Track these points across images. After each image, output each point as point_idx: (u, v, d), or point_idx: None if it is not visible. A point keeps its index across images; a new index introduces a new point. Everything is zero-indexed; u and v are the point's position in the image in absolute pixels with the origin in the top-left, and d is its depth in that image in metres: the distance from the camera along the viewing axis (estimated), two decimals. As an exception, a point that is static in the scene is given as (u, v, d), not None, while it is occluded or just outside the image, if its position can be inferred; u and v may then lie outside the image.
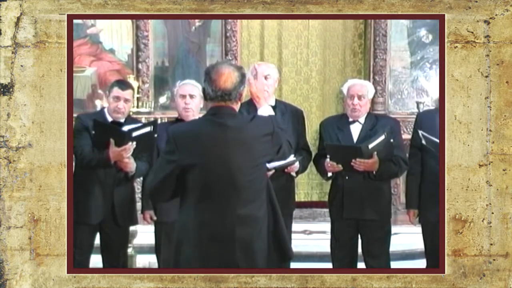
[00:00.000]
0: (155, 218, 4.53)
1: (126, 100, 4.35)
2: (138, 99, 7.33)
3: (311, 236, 7.01)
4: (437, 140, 3.75)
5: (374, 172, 4.26)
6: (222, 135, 3.18)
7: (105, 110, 4.43)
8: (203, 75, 3.26)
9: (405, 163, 4.39)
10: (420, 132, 4.31)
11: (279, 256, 3.36)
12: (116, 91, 4.33)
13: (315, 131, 6.81)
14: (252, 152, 3.21)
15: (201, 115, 3.45)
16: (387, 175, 4.38)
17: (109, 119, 4.37)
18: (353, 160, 4.18)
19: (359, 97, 4.38)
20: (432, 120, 4.27)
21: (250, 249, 3.21)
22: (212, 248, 3.19)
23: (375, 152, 4.18)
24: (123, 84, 4.46)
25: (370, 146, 4.17)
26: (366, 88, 4.44)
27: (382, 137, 4.21)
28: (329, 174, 4.40)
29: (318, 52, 8.03)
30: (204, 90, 3.27)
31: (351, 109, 4.40)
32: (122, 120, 4.37)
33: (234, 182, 3.18)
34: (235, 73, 3.22)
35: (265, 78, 4.29)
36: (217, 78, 3.20)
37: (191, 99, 4.39)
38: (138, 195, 4.66)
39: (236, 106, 3.27)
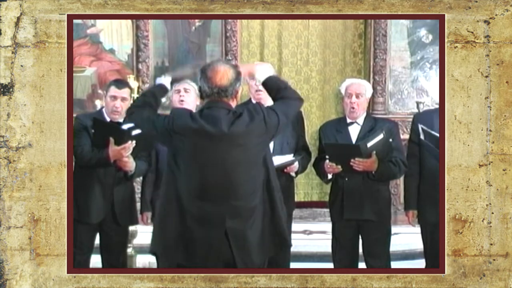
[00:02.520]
0: (149, 221, 4.53)
1: (123, 99, 4.35)
2: (138, 99, 7.33)
3: (311, 236, 7.01)
4: (437, 135, 3.75)
5: (374, 172, 4.26)
6: (216, 129, 3.22)
7: (104, 110, 4.44)
8: (199, 74, 3.29)
9: (404, 165, 4.39)
10: (420, 126, 4.30)
11: (277, 244, 3.37)
12: (113, 90, 4.34)
13: (315, 131, 6.81)
14: (246, 145, 3.24)
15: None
16: (387, 176, 4.38)
17: (108, 119, 4.37)
18: (352, 160, 4.18)
19: (357, 96, 4.39)
20: (430, 121, 4.27)
21: (244, 239, 3.24)
22: (204, 233, 3.23)
23: (374, 152, 4.18)
24: (119, 83, 4.46)
25: (369, 144, 4.17)
26: (364, 87, 4.44)
27: (381, 136, 4.21)
28: (329, 176, 4.39)
29: (318, 52, 8.03)
30: (200, 88, 3.31)
31: (349, 108, 4.40)
32: (121, 120, 4.36)
33: (228, 175, 3.22)
34: (231, 71, 3.28)
35: None
36: (213, 75, 3.24)
37: (185, 93, 4.43)
38: (137, 195, 4.66)
39: (232, 104, 3.31)
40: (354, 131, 4.43)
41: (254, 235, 3.27)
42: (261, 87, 4.30)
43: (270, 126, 3.30)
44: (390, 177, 4.47)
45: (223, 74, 3.24)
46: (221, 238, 3.23)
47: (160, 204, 3.40)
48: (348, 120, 4.45)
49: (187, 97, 4.43)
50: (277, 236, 3.37)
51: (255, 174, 3.29)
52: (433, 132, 4.08)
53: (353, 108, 4.39)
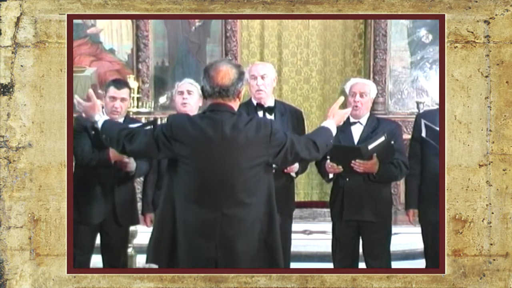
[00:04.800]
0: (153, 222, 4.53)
1: (122, 100, 4.35)
2: (138, 99, 7.33)
3: (311, 236, 7.01)
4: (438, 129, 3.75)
5: (374, 174, 4.26)
6: (217, 133, 3.22)
7: (103, 110, 4.43)
8: (202, 73, 3.30)
9: (406, 167, 4.38)
10: (423, 121, 4.30)
11: (267, 263, 3.35)
12: (112, 91, 4.34)
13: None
14: (246, 153, 3.22)
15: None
16: (388, 178, 4.37)
17: (107, 119, 4.37)
18: (353, 161, 4.18)
19: (361, 95, 4.39)
20: (433, 120, 4.26)
21: (232, 249, 3.23)
22: (194, 242, 3.22)
23: (375, 154, 4.18)
24: (118, 83, 4.45)
25: (370, 147, 4.16)
26: (369, 87, 4.44)
27: (382, 139, 4.21)
28: (330, 175, 4.39)
29: (318, 52, 8.04)
30: (202, 88, 3.31)
31: (353, 106, 4.40)
32: (121, 120, 4.37)
33: (224, 180, 3.21)
34: (233, 70, 3.27)
35: (262, 77, 4.30)
36: (215, 74, 3.24)
37: (188, 95, 4.43)
38: (138, 195, 4.67)
39: (235, 104, 3.31)
40: (356, 131, 4.42)
41: (246, 247, 3.25)
42: (262, 87, 4.32)
43: (274, 143, 3.28)
44: (391, 179, 4.46)
45: (225, 74, 3.24)
46: (211, 246, 3.23)
47: (158, 212, 3.41)
48: (351, 120, 4.44)
49: (190, 99, 4.43)
50: (269, 259, 3.33)
51: (253, 186, 3.26)
52: (436, 128, 4.08)
53: (356, 106, 4.38)
